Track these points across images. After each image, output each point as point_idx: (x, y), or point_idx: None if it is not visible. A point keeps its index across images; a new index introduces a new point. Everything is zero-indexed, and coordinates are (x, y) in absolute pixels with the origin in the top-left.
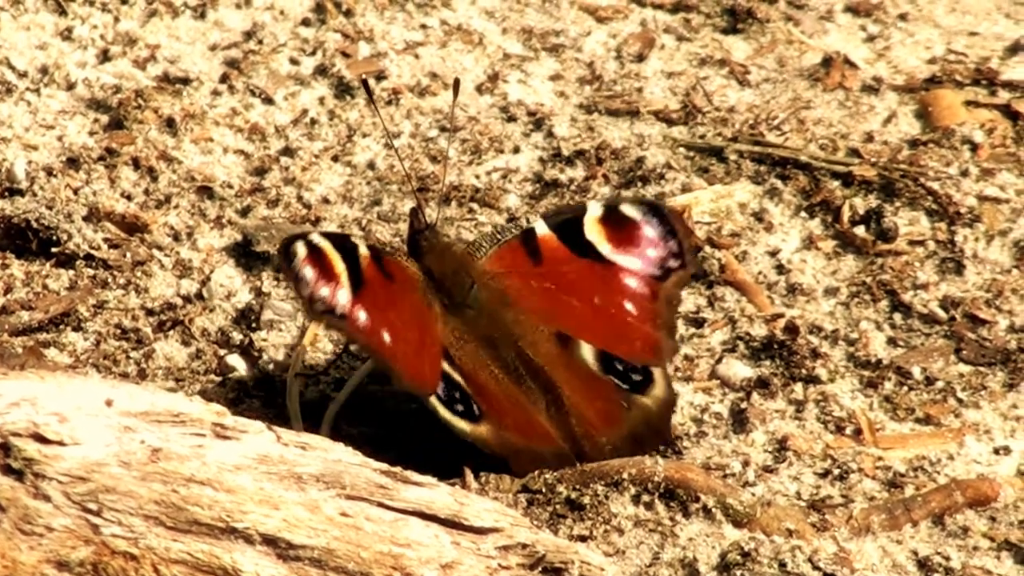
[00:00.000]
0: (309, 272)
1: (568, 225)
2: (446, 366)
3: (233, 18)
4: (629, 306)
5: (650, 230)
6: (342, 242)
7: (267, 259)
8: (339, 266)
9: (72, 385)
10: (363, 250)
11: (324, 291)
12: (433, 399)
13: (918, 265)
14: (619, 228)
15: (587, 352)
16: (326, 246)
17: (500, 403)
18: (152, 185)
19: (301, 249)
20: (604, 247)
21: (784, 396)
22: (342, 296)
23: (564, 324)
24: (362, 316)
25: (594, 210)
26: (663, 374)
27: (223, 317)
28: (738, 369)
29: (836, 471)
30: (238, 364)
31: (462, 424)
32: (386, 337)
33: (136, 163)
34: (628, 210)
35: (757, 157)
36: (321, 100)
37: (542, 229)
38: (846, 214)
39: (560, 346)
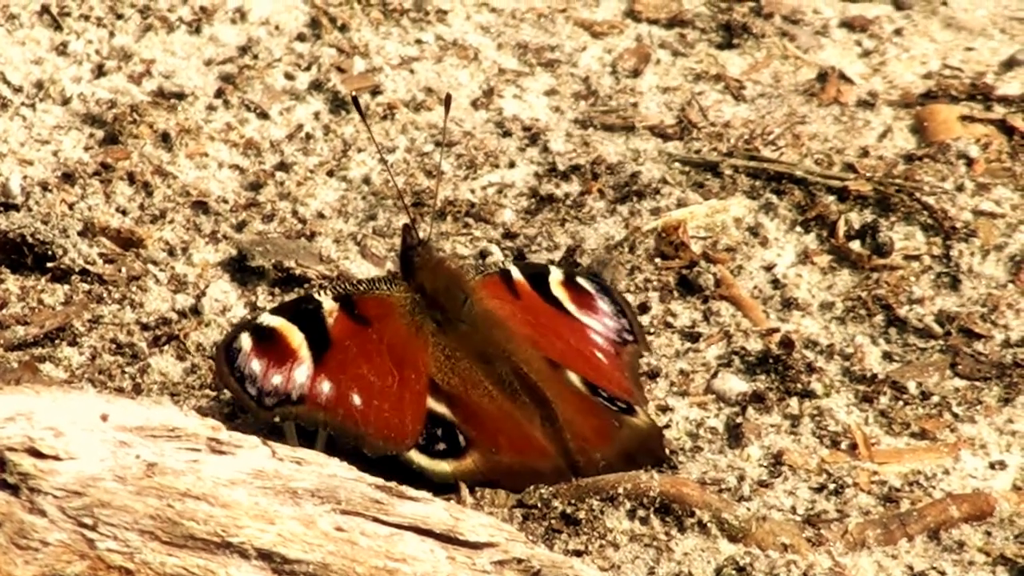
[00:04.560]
0: (256, 365)
1: (537, 279)
2: (430, 401)
3: (228, 33)
4: (600, 354)
5: (604, 304)
6: (299, 307)
7: (262, 274)
8: (296, 339)
9: (67, 400)
10: (328, 304)
11: (276, 378)
12: (411, 452)
13: (913, 280)
14: (580, 293)
15: (574, 376)
16: (278, 323)
17: (493, 421)
18: (147, 200)
19: (246, 342)
20: (570, 305)
21: (779, 411)
22: (300, 374)
23: (548, 353)
24: (325, 388)
25: (556, 274)
26: (644, 412)
27: (218, 332)
28: (733, 383)
29: (831, 486)
30: None
31: (443, 466)
32: (356, 400)
33: (131, 178)
34: (582, 282)
35: (752, 172)
36: (316, 115)
37: (517, 275)
38: (841, 229)
39: (550, 365)
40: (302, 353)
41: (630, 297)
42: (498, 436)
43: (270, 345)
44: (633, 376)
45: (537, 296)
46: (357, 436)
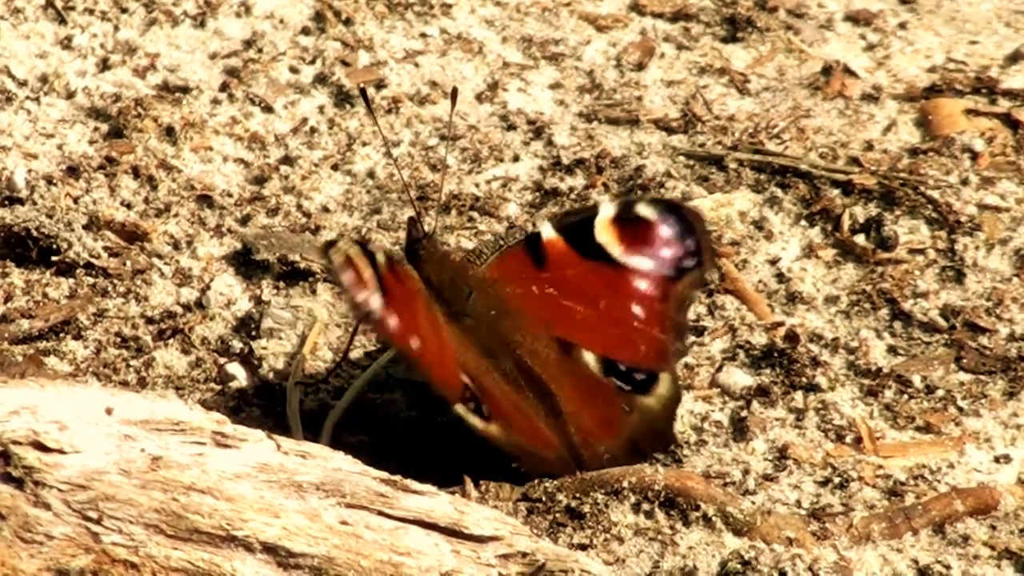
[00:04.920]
0: (348, 276)
1: (577, 227)
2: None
3: (233, 27)
4: (637, 310)
5: (666, 229)
6: (363, 248)
7: (267, 267)
8: (368, 272)
9: (72, 393)
10: (380, 257)
11: (361, 295)
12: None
13: (918, 274)
14: (633, 228)
15: (588, 356)
16: (355, 252)
17: (503, 408)
18: (152, 194)
19: (338, 256)
20: (615, 249)
21: (784, 404)
22: (375, 301)
23: (565, 332)
24: (392, 323)
25: (606, 210)
26: (669, 375)
27: (223, 325)
28: (738, 377)
29: (836, 479)
30: (238, 373)
31: (476, 420)
32: (415, 344)
33: (136, 172)
34: (643, 210)
35: (757, 166)
36: (321, 109)
37: (548, 232)
38: (846, 223)
39: (560, 353)
40: (373, 285)
41: None
42: (510, 420)
43: (355, 267)
44: (677, 319)
45: (570, 254)
46: (423, 374)
